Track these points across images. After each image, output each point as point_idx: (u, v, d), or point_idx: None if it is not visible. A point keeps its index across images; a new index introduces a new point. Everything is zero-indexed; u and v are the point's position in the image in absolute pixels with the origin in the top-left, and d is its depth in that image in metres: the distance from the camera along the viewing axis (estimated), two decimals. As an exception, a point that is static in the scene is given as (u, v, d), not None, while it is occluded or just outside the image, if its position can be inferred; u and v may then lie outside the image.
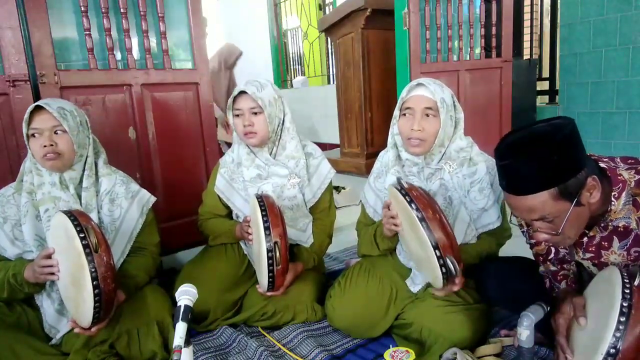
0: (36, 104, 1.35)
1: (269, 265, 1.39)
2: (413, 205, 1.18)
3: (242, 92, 1.57)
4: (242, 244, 1.73)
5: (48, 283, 1.37)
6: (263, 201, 1.44)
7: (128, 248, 1.48)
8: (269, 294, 1.51)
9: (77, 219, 1.20)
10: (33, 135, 1.35)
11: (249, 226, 1.56)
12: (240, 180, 1.68)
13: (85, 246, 1.16)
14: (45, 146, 1.33)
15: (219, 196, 1.72)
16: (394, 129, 1.49)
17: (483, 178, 1.43)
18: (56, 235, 1.27)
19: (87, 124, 1.46)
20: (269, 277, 1.42)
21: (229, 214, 1.75)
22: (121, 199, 1.48)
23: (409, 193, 1.21)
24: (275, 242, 1.38)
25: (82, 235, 1.17)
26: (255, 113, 1.57)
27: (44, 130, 1.34)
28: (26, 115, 1.34)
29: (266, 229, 1.38)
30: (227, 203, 1.71)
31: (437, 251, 1.15)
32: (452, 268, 1.17)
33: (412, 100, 1.40)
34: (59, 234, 1.24)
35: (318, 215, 1.74)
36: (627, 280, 0.93)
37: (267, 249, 1.37)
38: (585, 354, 0.98)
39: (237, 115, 1.60)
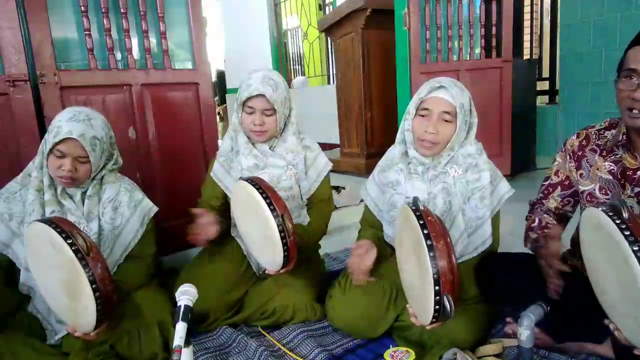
0: (71, 135, 1.31)
1: (282, 239, 1.36)
2: (425, 230, 1.09)
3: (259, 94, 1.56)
4: (239, 242, 1.73)
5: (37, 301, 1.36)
6: (254, 181, 1.42)
7: (123, 257, 1.47)
8: (282, 270, 1.48)
9: (59, 225, 1.15)
10: (57, 156, 1.33)
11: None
12: (238, 169, 1.68)
13: (76, 252, 1.12)
14: (64, 170, 1.33)
15: (216, 183, 1.71)
16: (405, 124, 1.46)
17: (486, 187, 1.42)
18: (37, 246, 1.20)
19: (110, 141, 1.46)
20: (284, 251, 1.39)
21: (225, 204, 1.75)
22: (124, 208, 1.47)
23: (424, 217, 1.12)
24: (282, 216, 1.36)
25: (69, 241, 1.12)
26: (268, 114, 1.59)
27: (69, 155, 1.33)
28: (57, 139, 1.30)
29: (269, 204, 1.36)
30: (225, 191, 1.71)
31: (437, 287, 1.06)
32: (448, 309, 1.07)
33: (431, 101, 1.37)
34: (41, 246, 1.18)
35: (318, 204, 1.75)
36: (620, 222, 0.92)
37: (276, 223, 1.35)
38: (631, 309, 0.96)
39: (248, 113, 1.60)
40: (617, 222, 0.92)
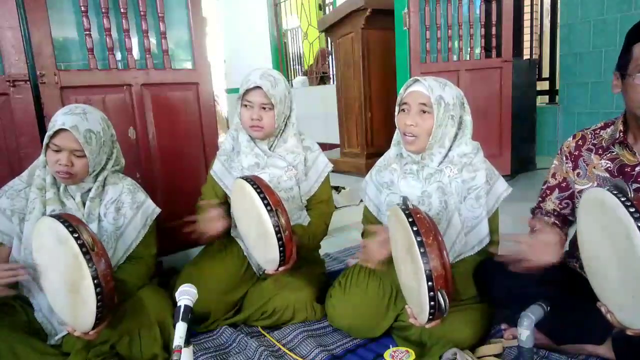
0: (64, 126, 1.31)
1: (276, 233, 1.36)
2: (415, 227, 1.11)
3: (257, 87, 1.57)
4: (239, 242, 1.73)
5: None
6: (249, 178, 1.43)
7: (124, 258, 1.47)
8: (281, 269, 1.47)
9: (67, 220, 1.16)
10: (54, 150, 1.33)
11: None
12: (239, 169, 1.68)
13: (81, 246, 1.13)
14: (60, 164, 1.33)
15: (216, 183, 1.71)
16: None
17: (481, 186, 1.43)
18: (43, 241, 1.22)
19: (111, 139, 1.46)
20: (280, 247, 1.38)
21: (226, 204, 1.75)
22: (126, 209, 1.47)
23: (413, 215, 1.14)
24: (276, 210, 1.36)
25: (75, 235, 1.13)
26: (265, 109, 1.59)
27: (64, 149, 1.33)
28: (52, 131, 1.31)
29: (263, 199, 1.36)
30: (225, 190, 1.71)
31: (429, 282, 1.07)
32: (443, 304, 1.08)
33: (408, 96, 1.42)
34: (47, 240, 1.19)
35: (318, 205, 1.75)
36: (625, 199, 0.92)
37: (270, 216, 1.35)
38: (628, 288, 0.96)
39: (246, 107, 1.61)
40: (622, 199, 0.92)
